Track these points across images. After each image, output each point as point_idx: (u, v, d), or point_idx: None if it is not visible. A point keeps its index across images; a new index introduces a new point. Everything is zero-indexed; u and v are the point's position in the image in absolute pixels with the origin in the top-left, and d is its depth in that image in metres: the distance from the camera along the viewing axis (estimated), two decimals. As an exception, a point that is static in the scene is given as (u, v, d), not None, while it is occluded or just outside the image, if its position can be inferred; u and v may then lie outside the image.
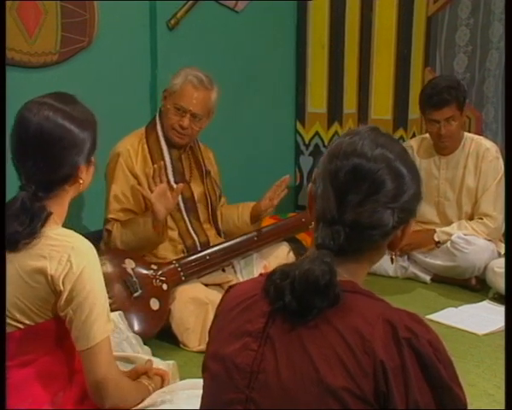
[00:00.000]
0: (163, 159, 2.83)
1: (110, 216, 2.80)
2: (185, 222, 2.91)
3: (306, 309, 1.06)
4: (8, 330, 1.52)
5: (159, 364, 1.97)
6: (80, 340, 1.53)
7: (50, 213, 1.53)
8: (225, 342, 1.16)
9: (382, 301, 1.11)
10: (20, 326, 1.53)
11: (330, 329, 1.06)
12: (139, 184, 2.77)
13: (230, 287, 1.29)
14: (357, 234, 1.11)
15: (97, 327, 1.52)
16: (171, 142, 2.88)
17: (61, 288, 1.50)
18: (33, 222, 1.49)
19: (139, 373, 1.81)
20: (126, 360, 2.05)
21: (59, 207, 1.58)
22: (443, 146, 3.46)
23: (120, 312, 2.46)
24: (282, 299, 1.08)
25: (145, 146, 2.85)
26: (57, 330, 1.57)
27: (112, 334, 2.14)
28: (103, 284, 1.58)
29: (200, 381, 1.74)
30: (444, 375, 1.04)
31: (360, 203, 1.10)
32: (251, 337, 1.12)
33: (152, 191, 2.65)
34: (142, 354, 2.22)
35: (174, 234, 2.88)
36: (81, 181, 1.60)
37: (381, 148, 1.13)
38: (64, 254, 1.50)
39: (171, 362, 2.25)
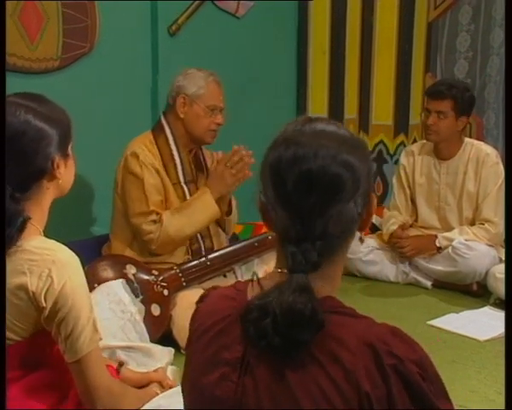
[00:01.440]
0: (173, 160, 2.86)
1: (152, 208, 2.76)
2: None
3: (293, 346, 0.99)
4: None
5: (161, 353, 1.98)
6: (67, 353, 1.50)
7: (28, 219, 1.47)
8: (202, 370, 1.10)
9: (364, 320, 1.04)
10: (8, 342, 1.49)
11: (313, 361, 0.99)
12: (161, 178, 2.80)
13: (202, 297, 1.21)
14: (329, 243, 1.02)
15: (83, 339, 1.49)
16: (203, 142, 2.92)
17: (44, 304, 1.45)
18: (9, 229, 1.42)
19: (151, 380, 1.81)
20: (128, 348, 2.05)
21: (38, 208, 1.52)
22: (427, 138, 3.50)
23: (122, 280, 2.47)
24: (265, 338, 0.99)
25: (155, 147, 2.86)
26: (44, 344, 1.54)
27: (116, 313, 2.14)
28: (88, 295, 1.53)
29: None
30: (429, 394, 0.99)
31: (322, 212, 1.00)
32: (229, 367, 1.06)
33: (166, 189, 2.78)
34: (145, 331, 2.24)
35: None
36: (59, 176, 1.54)
37: (323, 138, 1.04)
38: (44, 268, 1.44)
39: (172, 349, 2.26)
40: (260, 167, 1.10)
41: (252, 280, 1.12)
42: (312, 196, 1.00)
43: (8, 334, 1.49)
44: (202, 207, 2.80)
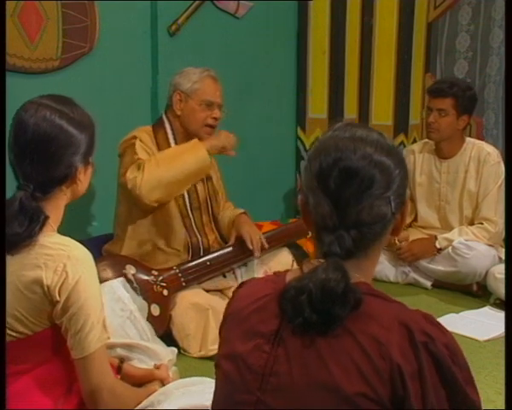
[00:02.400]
0: None
1: (138, 157, 2.70)
2: (190, 219, 2.91)
3: (328, 321, 1.06)
4: (7, 339, 1.51)
5: (162, 351, 1.98)
6: (75, 349, 1.52)
7: (47, 217, 1.52)
8: (237, 341, 1.16)
9: (397, 303, 1.11)
10: (19, 336, 1.53)
11: (345, 334, 1.05)
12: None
13: (242, 284, 1.29)
14: (361, 233, 1.11)
15: (92, 336, 1.52)
16: (200, 138, 2.88)
17: (57, 298, 1.49)
18: (32, 224, 1.48)
19: (154, 377, 1.82)
20: (128, 347, 2.05)
21: (55, 209, 1.57)
22: (429, 137, 3.51)
23: (122, 279, 2.47)
24: (302, 315, 1.07)
25: (154, 141, 2.86)
26: (55, 338, 1.56)
27: (115, 312, 2.15)
28: (99, 293, 1.57)
29: (191, 379, 1.77)
30: (459, 378, 1.04)
31: (356, 202, 1.10)
32: (263, 339, 1.12)
33: None
34: (146, 329, 2.24)
35: (181, 231, 2.87)
36: (79, 182, 1.59)
37: (361, 142, 1.13)
38: (60, 263, 1.48)
39: (175, 349, 2.26)
40: (303, 165, 1.18)
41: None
42: (348, 189, 1.10)
43: (20, 328, 1.52)
44: (191, 149, 2.77)
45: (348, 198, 1.10)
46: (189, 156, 2.75)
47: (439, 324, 1.09)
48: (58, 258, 1.49)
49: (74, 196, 1.63)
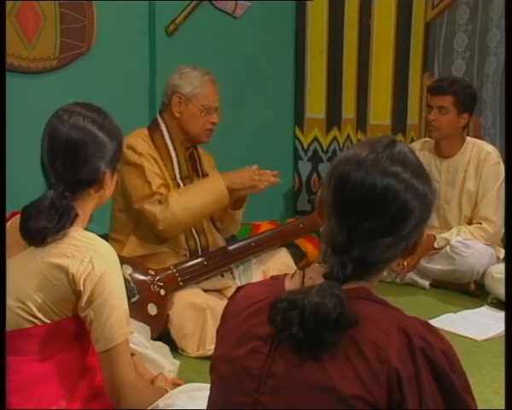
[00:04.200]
0: (170, 156, 2.85)
1: (155, 190, 2.72)
2: None
3: (315, 343, 1.04)
4: (24, 325, 1.55)
5: (161, 361, 1.99)
6: (100, 341, 1.55)
7: (78, 214, 1.58)
8: (234, 344, 1.16)
9: (396, 310, 1.11)
10: (37, 322, 1.55)
11: (344, 338, 1.05)
12: (160, 168, 2.79)
13: (240, 288, 1.29)
14: (366, 266, 1.10)
15: (117, 329, 1.55)
16: (199, 141, 2.91)
17: (82, 288, 1.52)
18: (63, 219, 1.54)
19: (165, 382, 1.83)
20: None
21: (82, 212, 1.62)
22: (429, 135, 3.51)
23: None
24: (289, 329, 1.06)
25: (151, 142, 2.86)
26: (73, 330, 1.59)
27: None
28: (124, 288, 1.61)
29: (199, 384, 1.76)
30: (456, 385, 1.04)
31: (374, 235, 1.07)
32: (261, 341, 1.11)
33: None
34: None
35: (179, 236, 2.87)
36: (106, 187, 1.65)
37: (397, 171, 1.06)
38: (86, 254, 1.53)
39: (177, 362, 2.27)
40: (329, 169, 1.14)
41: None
42: (370, 220, 1.06)
43: (38, 314, 1.55)
44: (211, 187, 2.78)
45: (366, 229, 1.06)
46: (210, 196, 2.76)
47: (437, 331, 1.08)
48: (85, 250, 1.54)
49: (101, 202, 1.69)
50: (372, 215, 1.06)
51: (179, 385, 1.88)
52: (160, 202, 2.71)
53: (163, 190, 2.75)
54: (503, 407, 1.36)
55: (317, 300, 1.03)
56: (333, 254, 1.08)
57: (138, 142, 2.78)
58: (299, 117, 4.47)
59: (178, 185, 2.84)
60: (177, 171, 2.86)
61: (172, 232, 2.76)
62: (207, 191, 2.77)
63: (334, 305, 1.03)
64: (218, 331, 1.26)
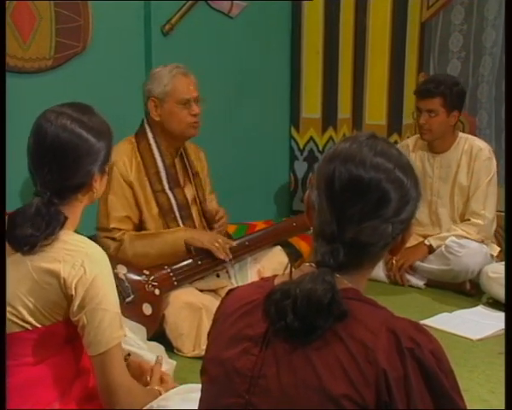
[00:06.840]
0: (156, 167, 2.83)
1: (112, 226, 2.75)
2: (178, 220, 2.89)
3: (309, 329, 1.06)
4: (14, 329, 1.53)
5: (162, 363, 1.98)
6: (93, 345, 1.54)
7: (67, 218, 1.55)
8: (225, 345, 1.16)
9: (385, 310, 1.11)
10: (28, 327, 1.54)
11: (333, 337, 1.05)
12: (134, 192, 2.78)
13: (230, 291, 1.29)
14: (357, 251, 1.11)
15: (110, 333, 1.54)
16: (187, 137, 2.88)
17: (73, 292, 1.51)
18: (51, 225, 1.51)
19: (160, 373, 1.83)
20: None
21: (71, 215, 1.59)
22: (422, 138, 3.51)
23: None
24: (284, 319, 1.07)
25: (137, 153, 2.84)
26: (65, 334, 1.58)
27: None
28: (115, 291, 1.60)
29: (193, 386, 1.76)
30: (445, 385, 1.04)
31: (360, 221, 1.09)
32: (251, 342, 1.12)
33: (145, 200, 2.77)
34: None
35: None
36: (95, 190, 1.62)
37: (380, 156, 1.11)
38: (78, 258, 1.52)
39: (174, 362, 2.26)
40: (316, 167, 1.18)
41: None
42: (355, 205, 1.09)
43: (29, 318, 1.54)
44: (170, 241, 2.76)
45: (353, 212, 1.09)
46: (167, 249, 2.75)
47: (426, 331, 1.08)
48: (76, 254, 1.52)
49: (91, 201, 1.67)
50: (358, 202, 1.09)
51: (168, 382, 1.87)
52: (114, 239, 2.73)
53: (123, 225, 2.75)
54: (500, 406, 1.37)
55: (308, 286, 1.06)
56: (323, 243, 1.11)
57: (120, 159, 2.75)
58: (294, 117, 4.47)
59: (167, 196, 2.82)
60: (164, 181, 2.85)
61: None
62: (166, 244, 2.76)
63: (325, 290, 1.05)
64: (209, 334, 1.26)
